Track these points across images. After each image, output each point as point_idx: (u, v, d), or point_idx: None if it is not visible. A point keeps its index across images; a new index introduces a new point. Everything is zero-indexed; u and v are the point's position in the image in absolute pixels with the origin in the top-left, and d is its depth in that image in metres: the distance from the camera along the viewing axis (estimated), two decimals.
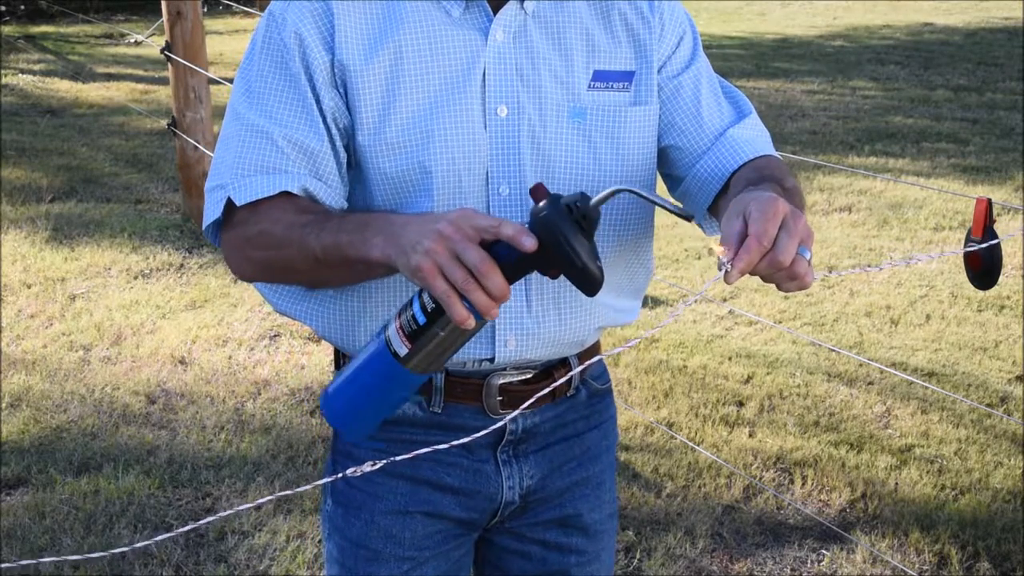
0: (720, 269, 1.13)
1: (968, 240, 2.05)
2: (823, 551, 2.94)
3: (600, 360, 1.65)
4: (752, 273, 1.15)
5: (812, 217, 5.68)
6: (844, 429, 3.53)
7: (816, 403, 3.70)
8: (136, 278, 4.75)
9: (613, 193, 1.18)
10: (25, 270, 4.81)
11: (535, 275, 1.37)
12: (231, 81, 1.63)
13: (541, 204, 1.16)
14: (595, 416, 1.61)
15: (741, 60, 10.45)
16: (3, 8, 12.42)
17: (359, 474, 1.04)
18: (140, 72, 9.61)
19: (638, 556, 2.89)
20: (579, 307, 1.46)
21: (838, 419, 3.60)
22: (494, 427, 1.16)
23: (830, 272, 1.87)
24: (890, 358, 4.06)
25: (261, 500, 0.96)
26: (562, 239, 1.14)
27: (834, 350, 3.95)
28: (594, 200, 1.17)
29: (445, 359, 1.23)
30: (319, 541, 2.90)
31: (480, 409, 1.48)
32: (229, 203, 1.36)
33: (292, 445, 3.38)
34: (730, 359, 4.02)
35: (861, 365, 3.92)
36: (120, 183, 6.26)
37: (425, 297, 1.18)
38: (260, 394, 3.72)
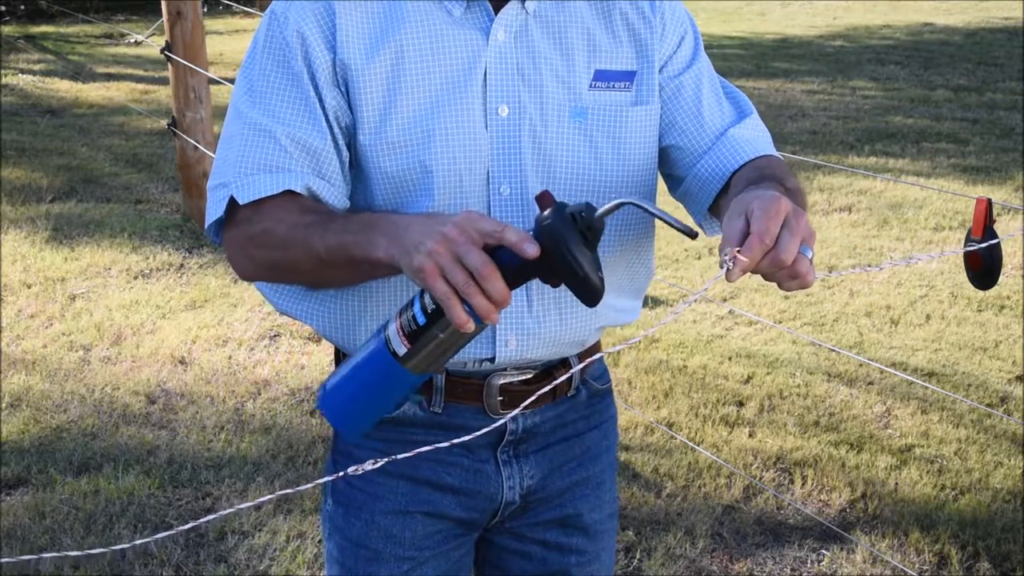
0: (722, 267, 1.13)
1: (968, 240, 2.05)
2: (823, 551, 2.94)
3: (600, 360, 1.65)
4: (754, 272, 1.15)
5: (812, 217, 5.68)
6: (844, 429, 3.53)
7: (816, 403, 3.71)
8: (136, 278, 4.75)
9: (619, 205, 1.18)
10: (25, 270, 4.81)
11: None
12: (231, 81, 1.63)
13: (546, 212, 1.16)
14: (595, 416, 1.61)
15: (741, 60, 10.45)
16: (3, 8, 12.42)
17: (360, 472, 1.03)
18: (140, 72, 9.61)
19: (638, 556, 2.89)
20: (580, 307, 1.46)
21: (838, 419, 3.60)
22: (494, 426, 1.16)
23: (830, 272, 1.87)
24: (890, 358, 4.06)
25: (261, 499, 0.96)
26: (565, 248, 1.13)
27: (834, 350, 3.95)
28: (599, 211, 1.17)
29: (444, 361, 1.23)
30: (319, 541, 2.90)
31: (480, 409, 1.48)
32: (232, 202, 1.36)
33: (292, 445, 3.38)
34: (730, 359, 4.02)
35: (861, 365, 3.92)
36: (120, 183, 6.26)
37: (426, 298, 1.18)
38: (260, 394, 3.72)
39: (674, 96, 1.47)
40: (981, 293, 4.52)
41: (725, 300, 4.58)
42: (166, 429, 3.49)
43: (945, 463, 3.35)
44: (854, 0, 14.66)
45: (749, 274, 1.14)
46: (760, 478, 3.24)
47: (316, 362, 3.94)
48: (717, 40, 11.55)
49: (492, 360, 1.44)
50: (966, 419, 3.60)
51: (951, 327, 4.35)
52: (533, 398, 1.20)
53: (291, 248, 1.31)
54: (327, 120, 1.36)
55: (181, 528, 0.95)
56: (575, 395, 1.57)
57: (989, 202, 2.00)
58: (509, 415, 1.17)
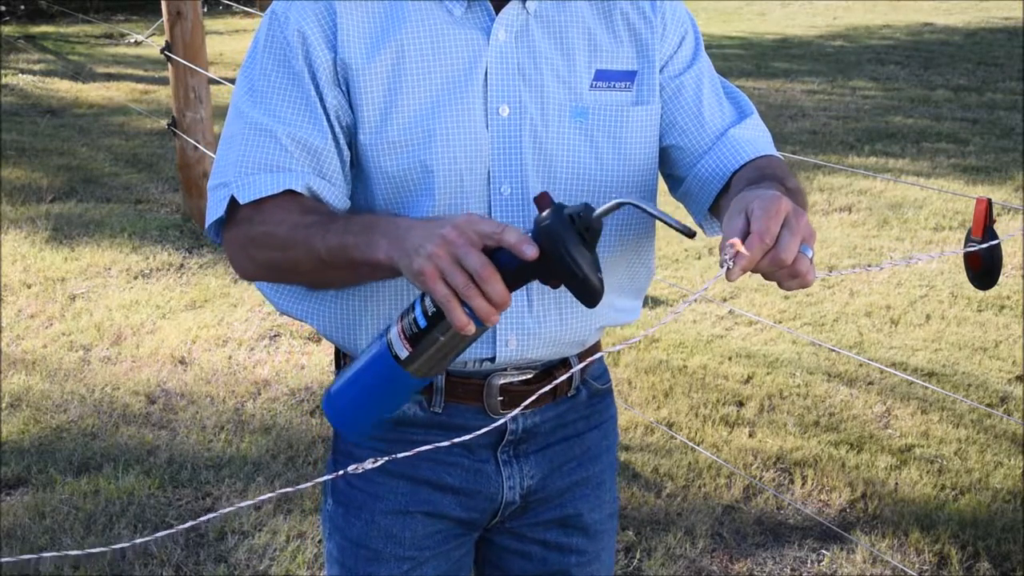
0: (722, 266, 1.13)
1: (968, 240, 2.05)
2: (823, 551, 2.94)
3: (600, 360, 1.65)
4: (754, 271, 1.15)
5: (812, 217, 5.68)
6: (844, 429, 3.53)
7: (816, 403, 3.71)
8: (136, 278, 4.75)
9: (617, 206, 1.18)
10: (25, 270, 4.81)
11: None
12: (231, 81, 1.63)
13: (544, 213, 1.16)
14: (595, 416, 1.61)
15: (741, 60, 10.45)
16: (3, 8, 12.42)
17: (360, 471, 1.04)
18: (140, 72, 9.61)
19: (638, 556, 2.89)
20: (580, 307, 1.46)
21: (838, 419, 3.60)
22: (494, 426, 1.16)
23: (830, 272, 1.87)
24: (890, 358, 4.06)
25: (261, 497, 0.96)
26: (563, 250, 1.13)
27: (834, 350, 3.95)
28: (597, 212, 1.17)
29: (446, 364, 1.23)
30: (319, 541, 2.90)
31: (481, 409, 1.48)
32: (232, 201, 1.36)
33: (292, 445, 3.38)
34: (730, 359, 4.02)
35: (861, 365, 3.92)
36: (120, 183, 6.26)
37: (427, 301, 1.18)
38: (260, 394, 3.72)
39: (675, 96, 1.47)
40: (981, 293, 4.52)
41: (725, 300, 4.58)
42: (166, 429, 3.49)
43: (945, 463, 3.35)
44: (854, 0, 14.66)
45: (749, 274, 1.14)
46: (760, 478, 3.24)
47: (316, 362, 3.94)
48: (717, 40, 11.55)
49: (492, 360, 1.44)
50: (966, 419, 3.60)
51: (951, 327, 4.35)
52: (533, 398, 1.20)
53: (292, 248, 1.31)
54: (328, 120, 1.36)
55: (181, 527, 0.95)
56: (575, 395, 1.57)
57: (989, 202, 2.00)
58: (509, 415, 1.17)
